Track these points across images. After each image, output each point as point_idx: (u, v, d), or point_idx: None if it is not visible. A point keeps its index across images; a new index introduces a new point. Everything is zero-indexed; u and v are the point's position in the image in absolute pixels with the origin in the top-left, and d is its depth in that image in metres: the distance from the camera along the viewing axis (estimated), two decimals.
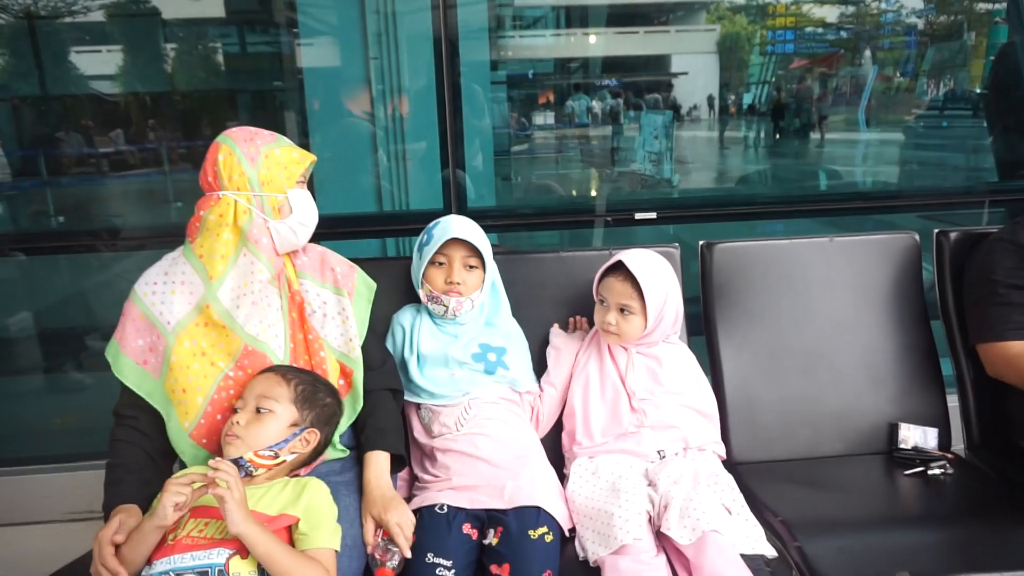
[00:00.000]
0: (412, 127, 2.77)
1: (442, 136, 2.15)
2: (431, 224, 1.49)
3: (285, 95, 3.67)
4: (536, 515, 1.30)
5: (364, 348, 1.37)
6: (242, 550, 1.04)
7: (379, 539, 1.26)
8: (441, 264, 1.47)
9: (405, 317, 1.55)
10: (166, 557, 1.04)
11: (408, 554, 1.23)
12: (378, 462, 1.31)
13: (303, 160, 1.30)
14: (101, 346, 2.91)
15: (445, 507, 1.34)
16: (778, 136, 6.34)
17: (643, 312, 1.45)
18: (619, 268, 1.47)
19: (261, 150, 1.25)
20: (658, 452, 1.46)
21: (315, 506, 1.14)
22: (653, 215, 2.13)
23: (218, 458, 1.10)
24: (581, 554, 1.30)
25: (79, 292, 3.21)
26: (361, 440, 1.36)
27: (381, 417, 1.36)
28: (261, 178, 1.24)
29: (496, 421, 1.45)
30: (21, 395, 2.91)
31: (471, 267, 1.47)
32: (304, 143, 3.04)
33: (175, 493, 1.02)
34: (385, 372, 1.41)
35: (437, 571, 1.20)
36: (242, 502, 1.03)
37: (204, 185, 1.25)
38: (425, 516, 1.33)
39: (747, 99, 7.17)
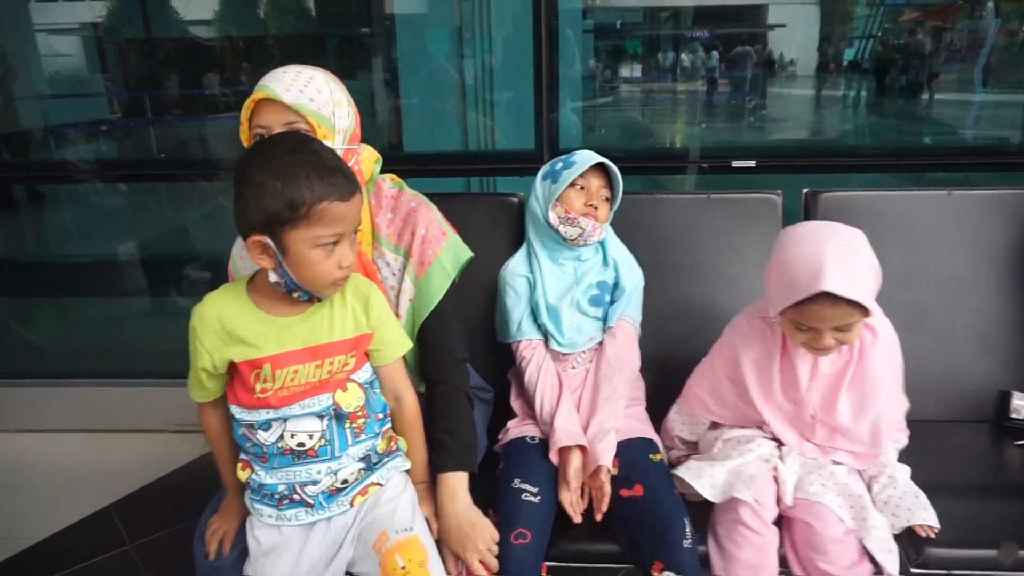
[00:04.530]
0: (501, 70, 2.74)
1: (536, 78, 2.11)
2: (564, 156, 1.46)
3: (373, 39, 3.70)
4: (651, 444, 1.33)
5: (434, 329, 1.23)
6: (342, 385, 1.05)
7: None
8: (581, 188, 1.44)
9: (520, 266, 1.50)
10: (270, 408, 1.02)
11: None
12: (449, 485, 1.16)
13: (247, 108, 1.10)
14: (199, 275, 3.08)
15: (536, 438, 1.37)
16: (881, 95, 5.93)
17: (863, 318, 1.16)
18: (825, 296, 1.11)
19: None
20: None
21: (384, 319, 1.11)
22: (752, 163, 2.04)
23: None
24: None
25: (181, 226, 3.41)
26: (432, 456, 1.21)
27: (450, 428, 1.20)
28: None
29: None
30: (132, 316, 3.14)
31: (605, 198, 1.45)
32: (393, 85, 3.08)
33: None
34: (462, 371, 1.26)
35: (523, 496, 1.23)
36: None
37: None
38: (518, 444, 1.37)
39: (849, 54, 6.71)
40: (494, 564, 1.11)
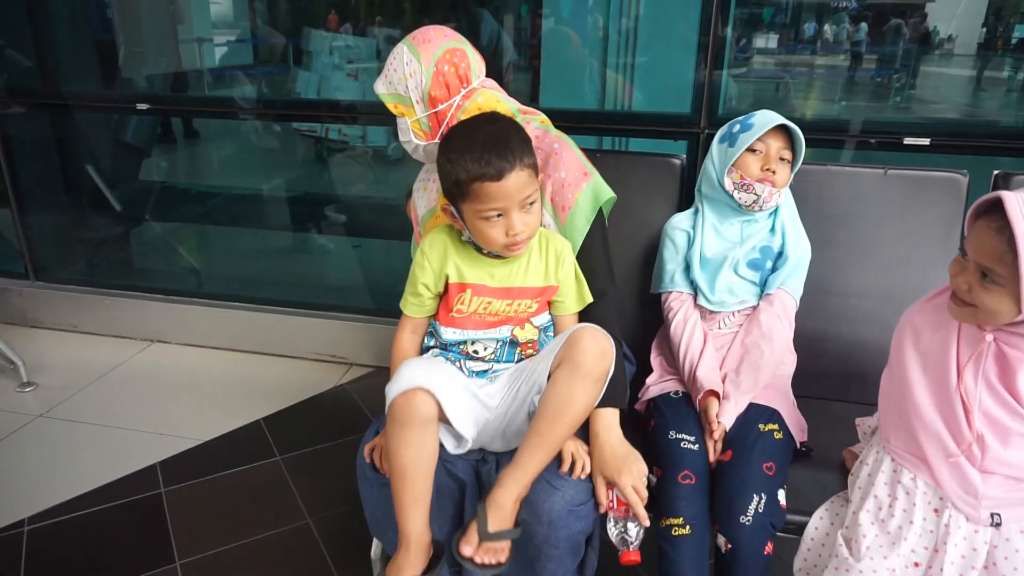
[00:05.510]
0: (644, 31, 2.68)
1: (702, 42, 2.05)
2: (741, 118, 1.42)
3: None
4: (770, 414, 1.30)
5: (584, 267, 1.27)
6: (522, 324, 1.20)
7: (612, 520, 1.14)
8: (757, 152, 1.41)
9: (684, 221, 1.50)
10: (460, 328, 1.19)
11: (647, 523, 1.13)
12: (605, 417, 1.20)
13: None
14: (336, 216, 3.24)
15: (679, 392, 1.38)
16: None
17: (1014, 285, 0.89)
18: (995, 210, 0.90)
19: None
20: (992, 515, 1.02)
21: (570, 276, 1.23)
22: (926, 141, 1.90)
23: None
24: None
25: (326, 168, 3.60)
26: None
27: None
28: None
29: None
30: (273, 248, 3.36)
31: (783, 160, 1.41)
32: (530, 42, 3.08)
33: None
34: (605, 312, 1.27)
35: (682, 444, 1.25)
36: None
37: None
38: (660, 402, 1.38)
39: (1020, 31, 6.07)
40: (644, 493, 1.15)
